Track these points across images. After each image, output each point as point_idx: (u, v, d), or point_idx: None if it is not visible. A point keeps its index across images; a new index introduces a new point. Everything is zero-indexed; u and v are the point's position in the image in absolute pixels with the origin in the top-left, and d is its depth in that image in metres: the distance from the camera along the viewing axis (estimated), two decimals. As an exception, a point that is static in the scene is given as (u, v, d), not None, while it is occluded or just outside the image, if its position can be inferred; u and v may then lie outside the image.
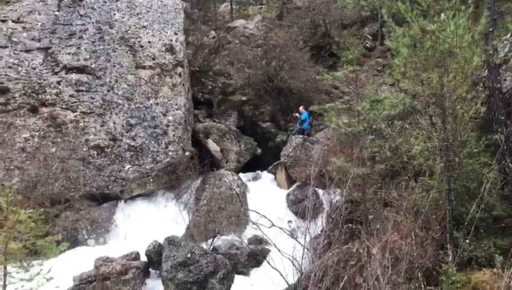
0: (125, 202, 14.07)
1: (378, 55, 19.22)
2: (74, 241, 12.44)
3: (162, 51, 15.59)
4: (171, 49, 15.72)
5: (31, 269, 8.72)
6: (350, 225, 10.37)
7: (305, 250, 10.42)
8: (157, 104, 14.96)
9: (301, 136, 15.52)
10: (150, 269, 11.41)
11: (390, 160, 10.16)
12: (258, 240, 12.24)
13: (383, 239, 8.63)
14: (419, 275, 8.62)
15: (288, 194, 14.47)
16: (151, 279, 11.25)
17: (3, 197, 8.35)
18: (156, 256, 11.36)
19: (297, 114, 15.97)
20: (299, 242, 10.62)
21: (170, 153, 14.61)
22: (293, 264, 10.07)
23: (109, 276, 10.54)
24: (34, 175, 12.75)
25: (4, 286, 8.22)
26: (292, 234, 11.23)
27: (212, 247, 12.08)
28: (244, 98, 18.09)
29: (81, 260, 11.61)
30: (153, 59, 15.35)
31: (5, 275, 8.28)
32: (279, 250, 10.49)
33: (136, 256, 11.44)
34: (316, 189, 12.46)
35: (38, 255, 9.44)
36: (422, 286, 8.54)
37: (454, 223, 9.13)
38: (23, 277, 8.50)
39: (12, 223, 8.28)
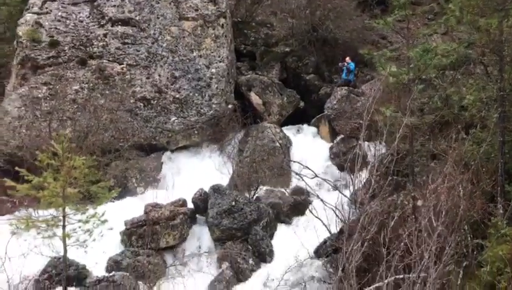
0: (171, 152, 14.49)
1: (429, 2, 18.13)
2: (124, 189, 13.03)
3: (205, 2, 15.40)
4: (213, 0, 15.50)
5: (86, 211, 9.30)
6: (395, 177, 10.22)
7: (349, 201, 10.47)
8: (200, 56, 14.98)
9: (346, 88, 15.16)
10: (196, 216, 11.88)
11: (440, 111, 9.80)
12: (301, 191, 12.38)
13: (429, 191, 8.49)
14: (466, 228, 8.49)
15: (331, 147, 14.38)
16: (197, 225, 11.73)
17: (59, 145, 8.80)
18: (201, 203, 11.78)
19: (344, 63, 15.50)
20: (342, 193, 10.67)
21: (213, 106, 14.76)
22: (336, 215, 10.18)
23: (158, 221, 11.07)
24: (85, 125, 13.29)
25: (64, 226, 8.82)
26: (335, 185, 11.27)
27: (255, 197, 12.35)
28: (287, 50, 17.71)
29: (131, 206, 12.23)
30: (196, 10, 15.22)
31: (64, 217, 8.86)
32: (322, 200, 10.61)
33: (183, 203, 11.90)
34: (361, 142, 12.30)
35: (92, 200, 10.02)
36: (469, 238, 8.42)
37: (506, 177, 8.82)
38: (80, 219, 9.09)
39: (68, 169, 8.75)
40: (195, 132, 14.63)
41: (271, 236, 11.50)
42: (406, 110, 8.69)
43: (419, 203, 8.82)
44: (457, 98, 9.57)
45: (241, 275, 10.31)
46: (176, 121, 14.46)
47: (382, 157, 10.64)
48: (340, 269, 7.56)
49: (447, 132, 9.93)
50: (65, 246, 8.91)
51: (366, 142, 12.56)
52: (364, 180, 10.79)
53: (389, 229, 7.84)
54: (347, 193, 10.91)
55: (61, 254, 8.98)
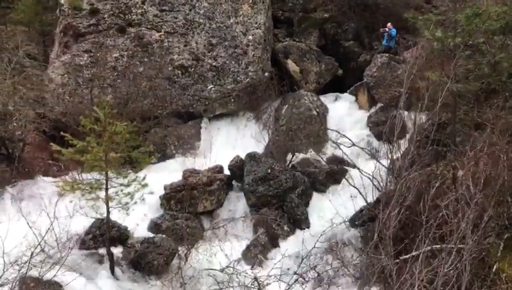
0: (208, 120, 14.65)
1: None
2: (163, 156, 13.37)
3: (242, -33, 15.12)
4: (251, -35, 15.18)
5: (128, 176, 9.64)
6: (435, 146, 9.95)
7: (386, 170, 10.32)
8: (237, 23, 14.83)
9: (387, 54, 14.66)
10: (233, 182, 12.07)
11: (487, 78, 9.33)
12: (337, 160, 12.27)
13: (471, 161, 8.23)
14: (510, 200, 8.22)
15: (369, 116, 14.09)
16: (233, 191, 11.94)
17: (101, 110, 9.07)
18: (238, 170, 11.93)
19: (386, 29, 14.94)
20: (379, 162, 10.52)
21: (250, 74, 14.69)
22: (373, 183, 10.08)
23: (196, 186, 11.34)
24: (125, 93, 13.56)
25: (106, 189, 9.20)
26: (373, 154, 11.11)
27: (291, 165, 12.38)
28: (326, 15, 17.21)
29: (170, 172, 12.54)
30: (233, -25, 14.99)
31: (106, 180, 9.22)
32: (358, 169, 10.51)
33: (220, 169, 12.09)
34: (401, 110, 11.99)
35: (133, 165, 10.35)
36: (512, 210, 8.17)
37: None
38: (122, 182, 9.44)
39: (110, 134, 9.04)
40: (232, 100, 14.67)
41: (306, 204, 11.56)
42: (450, 77, 8.34)
43: (460, 173, 8.58)
44: (507, 65, 9.07)
45: (275, 241, 10.48)
46: (213, 89, 14.53)
47: (422, 126, 10.34)
48: (376, 236, 7.54)
49: (493, 100, 9.49)
50: (108, 208, 9.33)
51: (406, 111, 12.24)
52: (403, 150, 10.59)
53: (427, 199, 7.70)
54: (385, 162, 10.74)
55: (105, 215, 9.41)
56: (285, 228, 10.81)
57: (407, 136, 11.51)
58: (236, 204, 11.66)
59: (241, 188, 11.88)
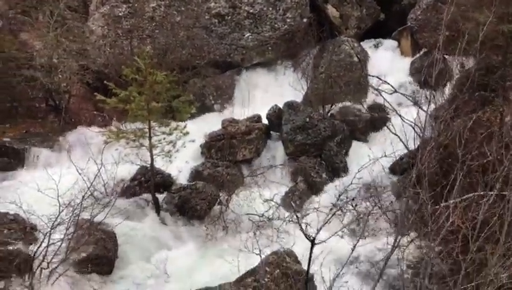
0: (246, 70, 14.59)
1: None
2: (202, 106, 13.54)
3: None
4: None
5: (169, 124, 9.89)
6: (482, 92, 9.53)
7: (429, 117, 10.01)
8: (274, -34, 14.37)
9: (432, -4, 13.85)
10: (271, 131, 12.14)
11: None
12: (378, 107, 12.02)
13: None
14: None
15: (412, 62, 13.56)
16: (271, 140, 12.03)
17: (141, 60, 9.21)
18: (276, 119, 11.96)
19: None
20: (422, 109, 10.19)
21: (288, 20, 14.34)
22: (414, 130, 9.85)
23: (235, 135, 11.51)
24: (163, 43, 13.65)
25: (149, 137, 9.50)
26: (415, 101, 10.78)
27: (330, 113, 12.26)
28: (367, -44, 16.34)
29: (209, 121, 12.75)
30: None
31: (149, 129, 9.51)
32: (400, 116, 10.24)
33: (258, 119, 12.16)
34: (446, 56, 11.44)
35: (174, 115, 10.57)
36: None
37: None
38: (164, 131, 9.71)
39: (151, 84, 9.23)
40: (269, 48, 14.45)
41: (345, 153, 11.54)
42: (504, 18, 7.81)
43: (508, 119, 8.24)
44: None
45: (314, 188, 10.60)
46: (250, 37, 14.33)
47: (469, 70, 9.87)
48: (415, 182, 7.46)
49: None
50: (152, 155, 9.68)
51: (451, 55, 11.69)
52: (447, 96, 10.21)
53: (471, 146, 7.49)
54: (427, 109, 10.40)
55: (149, 163, 9.78)
56: (324, 176, 10.88)
57: (452, 81, 11.06)
58: (275, 153, 11.78)
59: (279, 137, 11.95)
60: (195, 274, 7.93)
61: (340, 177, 10.79)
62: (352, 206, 6.63)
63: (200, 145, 11.64)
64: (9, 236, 8.08)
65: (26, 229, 8.27)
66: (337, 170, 11.01)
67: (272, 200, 9.14)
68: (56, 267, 7.60)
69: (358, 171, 6.40)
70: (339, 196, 6.39)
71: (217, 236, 9.37)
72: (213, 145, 11.57)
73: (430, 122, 9.51)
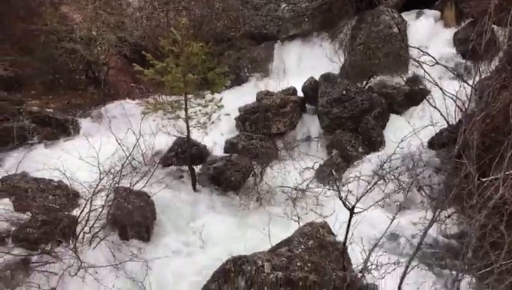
0: (281, 42, 14.39)
1: None
2: (237, 78, 13.52)
3: None
4: None
5: (205, 96, 9.95)
6: (532, 63, 9.01)
7: (472, 90, 9.63)
8: None
9: (480, -39, 13.09)
10: (306, 104, 12.02)
11: None
12: (418, 80, 11.63)
13: None
14: None
15: (456, 33, 12.96)
16: (307, 113, 11.92)
17: (178, 32, 9.22)
18: (311, 92, 11.80)
19: None
20: (465, 81, 9.81)
21: (325, -10, 13.98)
22: (456, 104, 9.52)
23: (270, 108, 11.46)
24: (198, 15, 13.63)
25: (186, 109, 9.60)
26: (458, 73, 10.37)
27: (367, 86, 11.97)
28: None
29: (244, 94, 12.74)
30: None
31: (185, 100, 9.60)
32: (441, 89, 9.92)
33: (294, 91, 12.05)
34: (493, 25, 10.84)
35: (209, 86, 10.59)
36: None
37: None
38: (200, 103, 9.79)
39: (187, 55, 9.25)
40: (306, 19, 14.18)
41: (382, 126, 11.29)
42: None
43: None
44: None
45: (349, 162, 10.47)
46: (286, 8, 14.09)
47: (518, 40, 9.34)
48: (456, 157, 7.23)
49: None
50: (188, 127, 9.80)
51: (500, 26, 11.07)
52: (492, 68, 9.73)
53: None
54: (471, 82, 9.99)
55: (185, 134, 9.92)
56: (360, 149, 10.71)
57: (499, 53, 10.50)
58: (310, 126, 11.68)
59: (314, 110, 11.82)
60: (230, 243, 8.06)
61: (376, 152, 10.60)
62: (394, 176, 6.49)
63: (235, 118, 11.69)
64: (54, 202, 8.46)
65: (69, 196, 8.64)
66: (374, 144, 10.81)
67: (312, 167, 9.07)
68: (98, 232, 7.90)
69: (402, 141, 6.23)
70: (381, 164, 6.26)
71: (251, 207, 9.47)
72: (247, 118, 11.59)
73: (474, 95, 9.16)
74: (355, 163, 10.36)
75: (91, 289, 7.14)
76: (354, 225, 5.62)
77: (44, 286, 7.08)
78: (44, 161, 8.91)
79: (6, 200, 8.34)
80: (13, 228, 7.76)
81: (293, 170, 9.87)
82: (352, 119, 11.08)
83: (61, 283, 7.12)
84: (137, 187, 8.77)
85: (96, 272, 7.30)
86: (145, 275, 7.07)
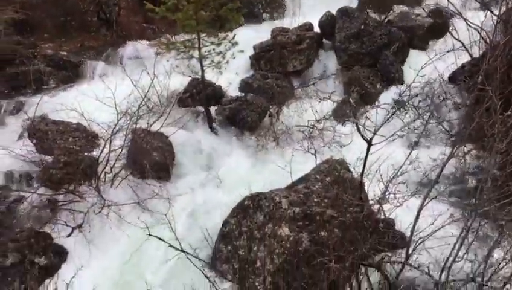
0: (297, -25, 13.73)
1: None
2: (251, 15, 13.09)
3: None
4: None
5: (218, 34, 9.71)
6: None
7: (498, 20, 9.17)
8: None
9: None
10: (323, 40, 11.66)
11: None
12: (440, 11, 11.09)
13: None
14: None
15: (483, -41, 12.13)
16: (323, 49, 11.60)
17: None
18: (328, 28, 11.40)
19: None
20: (490, 11, 9.32)
21: None
22: (480, 36, 9.12)
23: (285, 45, 11.16)
24: None
25: (199, 48, 9.42)
26: (484, 2, 9.84)
27: (387, 19, 11.49)
28: None
29: (258, 31, 12.38)
30: None
31: (198, 39, 9.39)
32: (465, 20, 9.48)
33: (310, 27, 11.66)
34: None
35: (222, 25, 10.30)
36: None
37: None
38: (213, 41, 9.58)
39: (199, -10, 8.93)
40: None
41: (402, 61, 10.94)
42: None
43: None
44: None
45: (367, 98, 10.27)
46: None
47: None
48: (477, 91, 7.02)
49: None
50: (202, 66, 9.66)
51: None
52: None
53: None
54: (497, 12, 9.49)
55: (200, 74, 9.80)
56: (378, 86, 10.47)
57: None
58: (327, 63, 11.38)
59: (331, 46, 11.48)
60: (247, 181, 8.10)
61: (395, 87, 10.34)
62: (413, 106, 6.34)
63: (250, 57, 11.45)
64: (74, 143, 8.62)
65: (88, 137, 8.78)
66: (392, 80, 10.52)
67: (329, 98, 8.92)
68: (118, 173, 8.10)
69: (422, 69, 6.02)
70: (401, 93, 6.11)
71: (268, 147, 9.50)
72: (262, 57, 11.33)
73: (500, 26, 8.74)
74: (373, 100, 10.14)
75: (115, 224, 7.44)
76: (373, 161, 5.59)
77: (70, 223, 7.41)
78: (62, 104, 8.98)
79: (29, 143, 8.54)
80: (37, 169, 8.00)
81: (309, 109, 9.75)
82: (370, 55, 10.75)
83: (87, 220, 7.43)
84: (154, 128, 8.85)
85: (119, 210, 7.57)
86: (168, 208, 7.27)
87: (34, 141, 8.54)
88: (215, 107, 10.30)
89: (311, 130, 9.45)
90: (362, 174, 5.61)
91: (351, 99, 9.47)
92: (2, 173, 7.95)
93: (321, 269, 5.11)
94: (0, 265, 6.37)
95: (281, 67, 11.20)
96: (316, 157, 7.06)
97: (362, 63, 10.73)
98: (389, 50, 10.73)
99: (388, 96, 9.69)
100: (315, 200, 6.85)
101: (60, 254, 7.07)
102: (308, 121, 9.54)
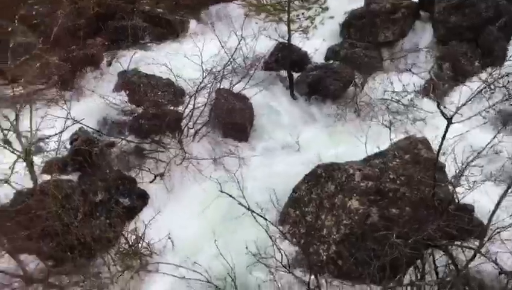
0: None
1: None
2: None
3: None
4: None
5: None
6: None
7: None
8: None
9: None
10: (420, 11, 10.95)
11: None
12: None
13: None
14: None
15: None
16: (420, 21, 10.92)
17: None
18: (428, -3, 10.66)
19: None
20: None
21: None
22: None
23: (378, 14, 10.67)
24: None
25: (288, 11, 9.32)
26: None
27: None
28: None
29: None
30: None
31: (288, 2, 9.29)
32: None
33: (407, -5, 10.97)
34: None
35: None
36: None
37: None
38: (303, 5, 9.43)
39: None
40: None
41: (507, 39, 9.93)
42: None
43: None
44: None
45: (460, 76, 9.54)
46: None
47: None
48: None
49: None
50: (289, 30, 9.60)
51: None
52: None
53: None
54: None
55: (286, 38, 9.75)
56: (476, 63, 9.66)
57: None
58: (422, 35, 10.72)
59: (429, 18, 10.74)
60: (322, 150, 8.13)
61: (495, 67, 9.48)
62: (503, 84, 5.82)
63: (339, 24, 11.10)
64: (163, 97, 9.13)
65: (175, 93, 9.24)
66: (494, 58, 9.60)
67: (418, 72, 8.47)
68: (200, 129, 8.50)
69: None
70: (491, 72, 5.64)
71: (347, 118, 9.32)
72: (353, 24, 10.93)
73: None
74: (468, 78, 9.42)
75: (192, 176, 7.90)
76: (451, 141, 5.26)
77: (153, 170, 7.99)
78: (154, 59, 9.50)
79: (123, 93, 9.21)
80: (129, 119, 8.64)
81: (396, 82, 9.33)
82: (472, 29, 9.90)
83: (168, 170, 7.96)
84: (237, 90, 9.06)
85: (197, 163, 7.99)
86: (241, 167, 7.53)
87: (127, 92, 9.17)
88: (299, 74, 10.24)
89: (395, 104, 9.09)
90: (438, 153, 5.31)
91: (439, 76, 8.86)
92: (97, 119, 8.69)
93: (386, 245, 5.04)
94: (90, 200, 7.07)
95: (371, 36, 10.76)
96: (390, 132, 6.77)
97: (461, 37, 9.93)
98: (494, 25, 9.78)
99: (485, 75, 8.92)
100: (390, 176, 6.69)
101: (142, 198, 7.69)
102: (394, 94, 9.17)
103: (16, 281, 6.14)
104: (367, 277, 4.90)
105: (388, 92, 9.33)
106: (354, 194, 6.58)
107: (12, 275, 6.13)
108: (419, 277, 4.85)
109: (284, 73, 10.14)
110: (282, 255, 4.98)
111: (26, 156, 6.64)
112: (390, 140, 7.05)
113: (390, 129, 6.56)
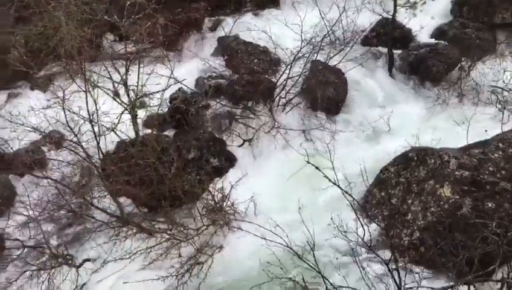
0: None
1: None
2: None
3: None
4: None
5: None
6: None
7: None
8: None
9: None
10: (550, -9, 9.76)
11: None
12: None
13: None
14: None
15: None
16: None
17: None
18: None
19: None
20: None
21: None
22: None
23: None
24: None
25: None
26: None
27: None
28: None
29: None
30: None
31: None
32: None
33: (536, -27, 9.81)
34: None
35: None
36: None
37: None
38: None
39: None
40: None
41: None
42: None
43: None
44: None
45: None
46: None
47: None
48: None
49: None
50: (395, 5, 9.14)
51: None
52: None
53: None
54: None
55: (391, 13, 9.29)
56: None
57: None
58: (548, 18, 9.62)
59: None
60: (417, 133, 7.74)
61: None
62: None
63: (451, 1, 10.30)
64: (258, 65, 9.27)
65: (271, 61, 9.32)
66: None
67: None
68: (291, 99, 8.54)
69: None
70: None
71: (449, 102, 8.75)
72: (467, 2, 10.07)
73: None
74: None
75: (280, 145, 8.02)
76: None
77: (243, 135, 8.25)
78: (255, 25, 9.64)
79: (221, 58, 9.50)
80: (224, 83, 8.93)
81: (510, 69, 8.53)
82: None
83: (257, 136, 8.16)
84: (333, 62, 8.90)
85: (286, 133, 8.08)
86: (331, 141, 7.51)
87: (225, 58, 9.44)
88: (400, 51, 9.76)
89: (506, 93, 8.35)
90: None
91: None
92: (195, 81, 9.08)
93: (477, 238, 4.77)
94: (184, 156, 7.52)
95: (486, 17, 9.88)
96: (502, 120, 6.25)
97: None
98: None
99: None
100: (490, 168, 6.25)
101: (230, 160, 8.02)
102: (506, 82, 8.42)
103: (113, 220, 6.82)
104: (452, 268, 4.69)
105: (498, 79, 8.58)
106: (447, 183, 6.26)
107: (112, 215, 6.81)
108: (510, 277, 4.53)
109: (383, 50, 9.73)
110: (364, 231, 4.93)
111: (132, 109, 7.19)
112: (502, 129, 6.53)
113: (503, 115, 6.01)
